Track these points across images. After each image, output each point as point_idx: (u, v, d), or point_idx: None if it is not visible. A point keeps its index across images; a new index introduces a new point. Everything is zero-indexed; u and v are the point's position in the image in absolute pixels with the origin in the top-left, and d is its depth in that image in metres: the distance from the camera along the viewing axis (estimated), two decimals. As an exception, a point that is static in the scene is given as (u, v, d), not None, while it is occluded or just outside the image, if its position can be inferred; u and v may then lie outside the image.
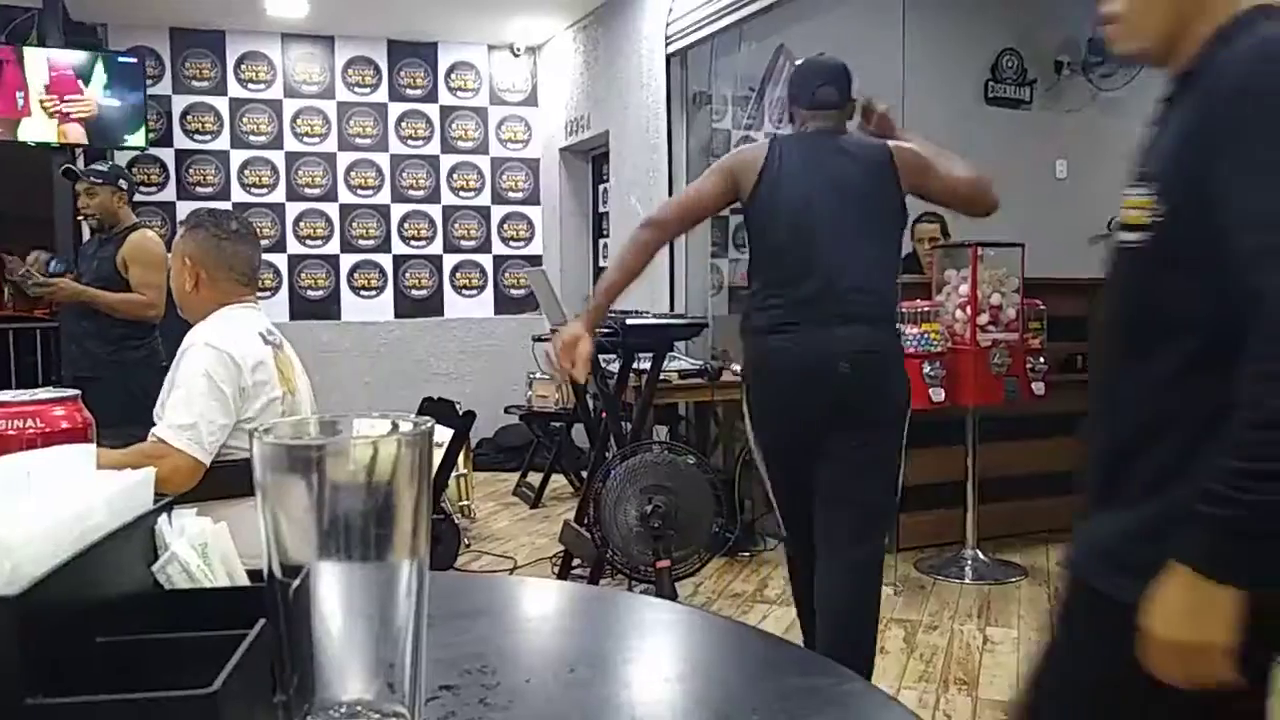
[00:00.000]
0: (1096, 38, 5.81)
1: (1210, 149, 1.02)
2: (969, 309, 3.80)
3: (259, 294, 2.31)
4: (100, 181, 4.00)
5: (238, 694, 0.50)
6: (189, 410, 1.91)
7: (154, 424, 1.98)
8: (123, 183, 4.06)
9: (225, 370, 1.96)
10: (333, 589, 0.54)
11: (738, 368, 4.43)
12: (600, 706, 0.69)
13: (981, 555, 3.96)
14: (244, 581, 0.67)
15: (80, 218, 4.42)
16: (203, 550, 0.64)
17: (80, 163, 5.50)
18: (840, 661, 2.03)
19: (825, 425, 2.33)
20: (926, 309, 3.76)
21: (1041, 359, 3.92)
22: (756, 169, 2.45)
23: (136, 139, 5.66)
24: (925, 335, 3.71)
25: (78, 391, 0.85)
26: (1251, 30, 1.05)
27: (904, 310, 3.74)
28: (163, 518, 0.64)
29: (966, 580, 3.84)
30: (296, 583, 0.53)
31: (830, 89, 2.58)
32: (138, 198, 5.95)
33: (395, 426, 0.56)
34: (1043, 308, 3.97)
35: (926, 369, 3.69)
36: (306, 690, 0.53)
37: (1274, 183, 0.97)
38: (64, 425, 0.82)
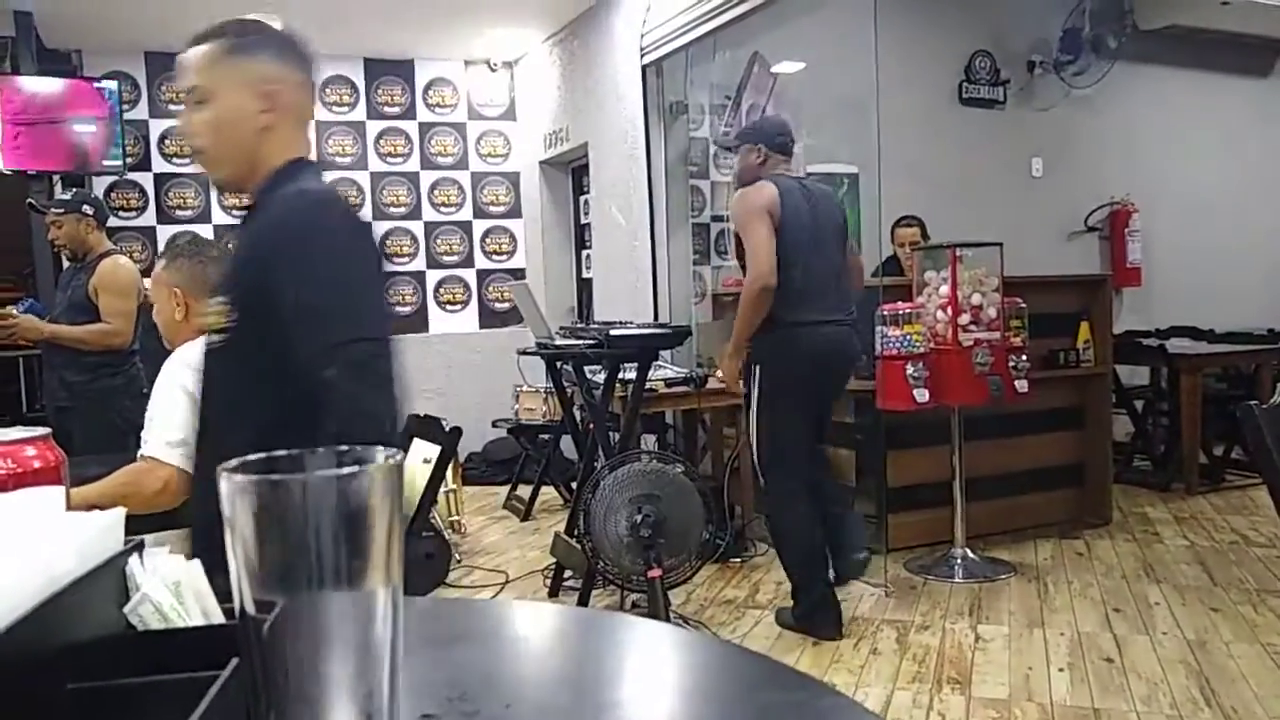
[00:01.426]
0: (1067, 37, 5.87)
1: (266, 265, 1.34)
2: (950, 309, 3.82)
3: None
4: (63, 211, 3.97)
5: (211, 735, 0.50)
6: (175, 427, 1.93)
7: (136, 449, 1.98)
8: (87, 209, 4.00)
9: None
10: (308, 622, 0.54)
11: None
12: (581, 729, 0.69)
13: (971, 554, 3.97)
14: (219, 618, 0.67)
15: (54, 250, 4.39)
16: (176, 589, 0.64)
17: (58, 188, 5.48)
18: (848, 538, 3.44)
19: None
20: (908, 311, 3.77)
21: (1024, 357, 3.93)
22: (779, 203, 3.27)
23: (113, 164, 5.62)
24: (907, 337, 3.72)
25: (48, 430, 0.85)
26: (291, 177, 1.45)
27: (885, 313, 3.75)
28: (134, 558, 0.64)
29: (957, 579, 3.85)
30: (270, 618, 0.53)
31: (787, 140, 3.49)
32: (118, 223, 5.95)
33: (374, 459, 0.56)
34: (1023, 305, 3.99)
35: (910, 370, 3.69)
36: (283, 727, 0.53)
37: (308, 291, 1.29)
38: (36, 465, 0.82)
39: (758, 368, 3.37)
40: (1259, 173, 6.66)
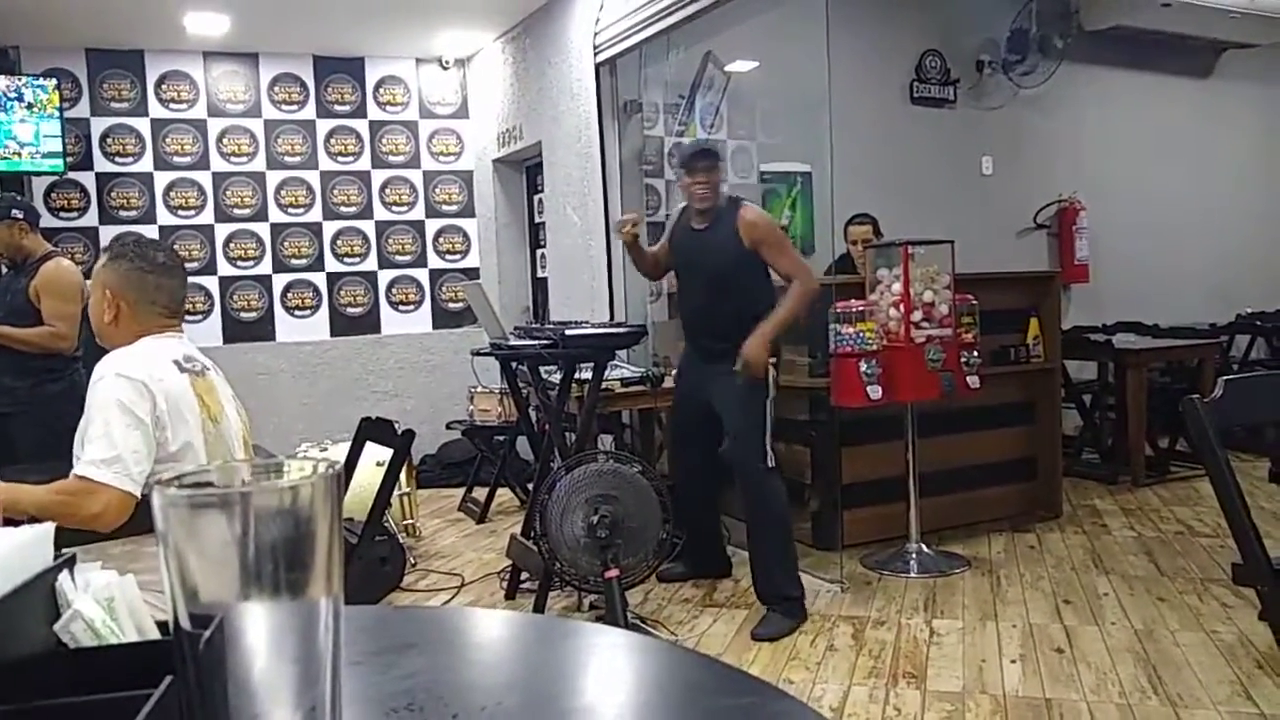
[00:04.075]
0: (1014, 37, 5.96)
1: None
2: (902, 307, 3.86)
3: (189, 317, 2.26)
4: None
5: (144, 757, 0.49)
6: (110, 443, 1.84)
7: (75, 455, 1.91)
8: (16, 213, 3.89)
9: (139, 398, 1.89)
10: (247, 637, 0.52)
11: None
12: (531, 738, 0.68)
13: (925, 548, 4.01)
14: (154, 634, 0.65)
15: None
16: (109, 605, 0.62)
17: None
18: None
19: None
20: (861, 308, 3.80)
21: (975, 353, 3.99)
22: None
23: (54, 164, 5.50)
24: (860, 334, 3.75)
25: (-22, 442, 0.82)
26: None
27: (838, 310, 3.78)
28: (64, 573, 0.62)
29: (911, 574, 3.89)
30: (207, 633, 0.51)
31: None
32: (59, 224, 5.81)
33: (312, 470, 0.55)
34: (974, 302, 4.04)
35: (863, 367, 3.73)
36: (221, 746, 0.51)
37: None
38: (-36, 477, 0.79)
39: (774, 364, 3.51)
40: (1201, 171, 6.82)
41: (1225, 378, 1.63)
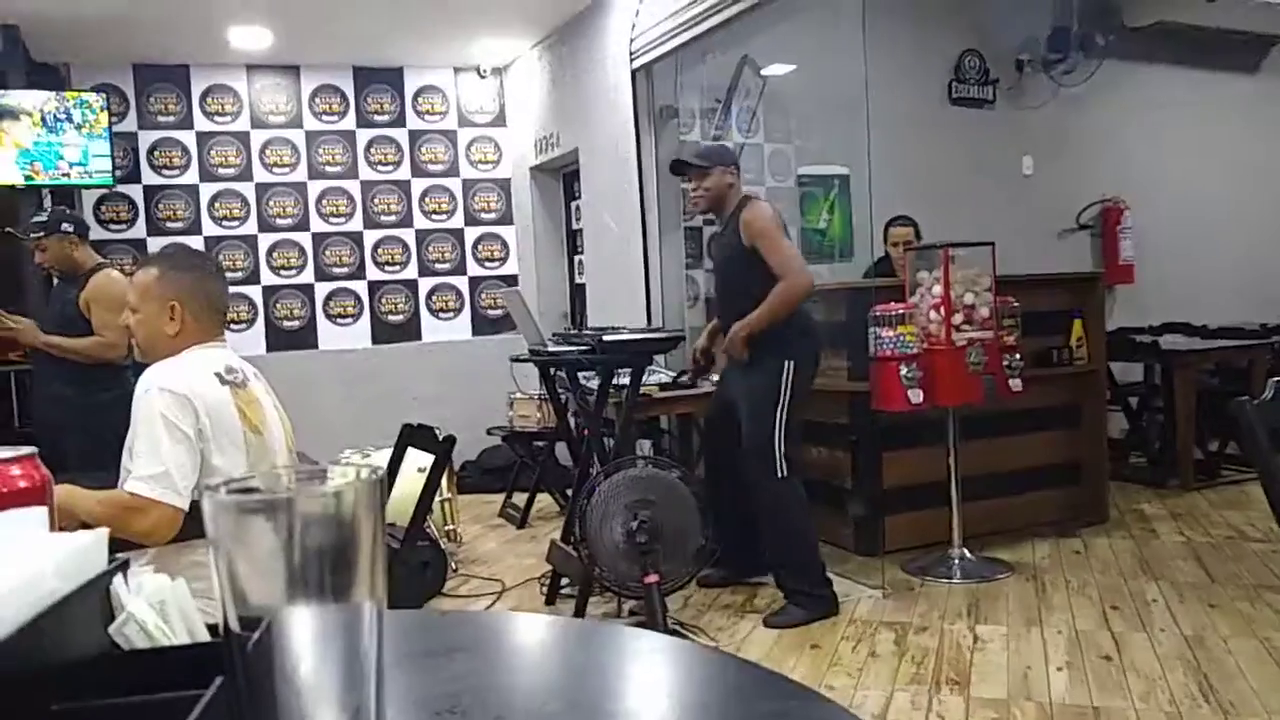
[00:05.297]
0: (1055, 35, 5.89)
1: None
2: (943, 309, 3.82)
3: (233, 326, 2.30)
4: (43, 235, 3.93)
5: (195, 756, 0.50)
6: (157, 459, 1.87)
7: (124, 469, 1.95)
8: (66, 226, 3.96)
9: (182, 412, 1.92)
10: (294, 639, 0.54)
11: (716, 377, 4.46)
12: (573, 741, 0.68)
13: (968, 554, 3.96)
14: (204, 637, 0.66)
15: (44, 272, 4.37)
16: (161, 608, 0.63)
17: (47, 202, 5.47)
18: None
19: None
20: (901, 311, 3.77)
21: (1018, 355, 3.94)
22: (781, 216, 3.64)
23: (103, 178, 5.62)
24: (901, 337, 3.72)
25: (34, 449, 0.84)
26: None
27: (878, 313, 3.76)
28: (118, 577, 0.64)
29: (954, 580, 3.84)
30: (255, 636, 0.52)
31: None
32: (108, 236, 5.94)
33: (355, 475, 0.56)
34: (1016, 304, 3.99)
35: (904, 371, 3.70)
36: (269, 746, 0.52)
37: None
38: (21, 485, 0.81)
39: (791, 364, 3.47)
40: (1248, 168, 6.68)
41: (1276, 379, 1.59)
